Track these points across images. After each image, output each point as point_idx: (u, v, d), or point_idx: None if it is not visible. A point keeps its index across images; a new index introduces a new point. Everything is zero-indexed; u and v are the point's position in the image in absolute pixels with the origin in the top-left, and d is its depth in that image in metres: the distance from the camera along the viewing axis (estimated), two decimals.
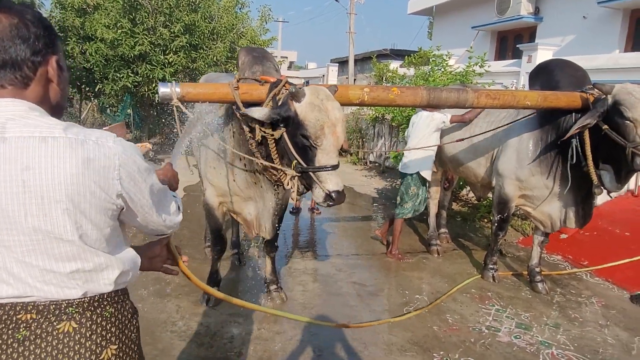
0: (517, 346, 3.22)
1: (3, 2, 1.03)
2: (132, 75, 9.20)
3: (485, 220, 6.51)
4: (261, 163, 2.73)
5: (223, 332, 3.21)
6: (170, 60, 9.18)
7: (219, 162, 3.27)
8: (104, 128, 9.40)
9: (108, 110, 14.02)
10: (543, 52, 9.15)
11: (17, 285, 0.99)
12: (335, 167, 2.47)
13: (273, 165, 2.64)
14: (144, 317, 3.33)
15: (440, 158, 4.92)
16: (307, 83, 2.67)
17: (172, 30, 9.00)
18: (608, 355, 3.18)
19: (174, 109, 2.71)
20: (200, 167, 3.53)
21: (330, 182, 2.46)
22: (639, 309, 3.92)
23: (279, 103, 2.54)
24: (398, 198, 4.89)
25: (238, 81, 2.81)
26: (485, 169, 4.50)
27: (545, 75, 3.95)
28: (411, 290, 4.08)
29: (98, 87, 9.58)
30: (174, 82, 2.68)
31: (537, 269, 4.26)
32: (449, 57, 8.17)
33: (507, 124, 4.02)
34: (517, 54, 10.85)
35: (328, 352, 3.05)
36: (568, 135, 3.45)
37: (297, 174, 2.54)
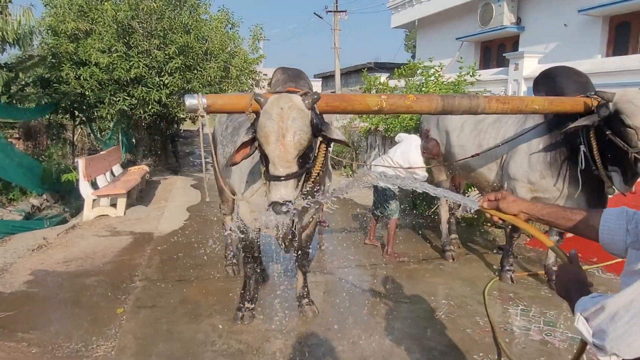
0: (550, 343, 3.31)
1: None
2: (128, 98, 9.17)
3: (489, 224, 6.65)
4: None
5: (265, 347, 3.23)
6: (166, 82, 9.19)
7: (252, 177, 3.25)
8: (102, 152, 9.34)
9: (99, 135, 13.93)
10: (529, 61, 9.47)
11: None
12: (277, 179, 2.40)
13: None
14: (180, 339, 3.34)
15: (451, 166, 5.04)
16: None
17: (166, 52, 9.03)
18: None
19: (200, 119, 2.78)
20: (233, 183, 3.51)
21: (272, 191, 2.43)
22: None
23: None
24: (378, 203, 5.20)
25: None
26: (496, 173, 4.62)
27: (550, 82, 4.11)
28: (437, 296, 4.15)
29: (94, 112, 9.51)
30: (200, 93, 2.74)
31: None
32: (441, 68, 8.38)
33: (522, 132, 4.14)
34: (501, 63, 11.18)
35: None
36: (565, 130, 3.62)
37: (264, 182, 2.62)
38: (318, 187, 3.18)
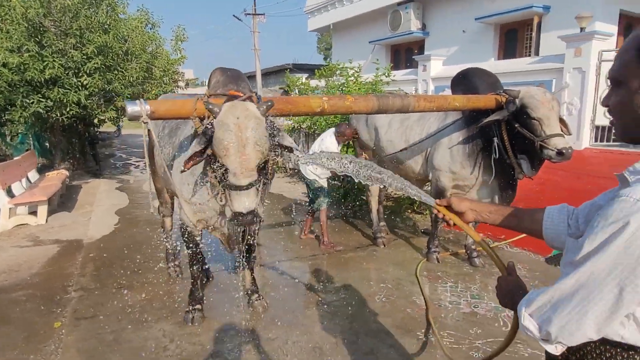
0: (479, 314, 3.53)
1: None
2: (43, 100, 8.24)
3: (409, 211, 6.95)
4: (211, 180, 2.63)
5: (220, 346, 3.07)
6: (85, 82, 8.39)
7: (193, 178, 3.04)
8: (16, 158, 8.31)
9: (8, 139, 12.40)
10: (435, 62, 10.00)
11: None
12: (239, 188, 2.31)
13: (218, 181, 2.51)
14: (130, 347, 3.09)
15: (380, 159, 5.17)
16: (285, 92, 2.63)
17: (84, 52, 8.24)
18: None
19: (143, 126, 2.55)
20: (173, 185, 3.24)
21: (235, 202, 2.35)
22: (553, 267, 4.50)
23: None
24: (310, 196, 5.33)
25: (209, 97, 2.71)
26: (421, 165, 4.82)
27: (466, 82, 4.35)
28: (375, 281, 4.24)
29: (2, 115, 8.41)
30: (142, 99, 2.52)
31: (473, 247, 4.68)
32: (360, 69, 8.55)
33: (444, 127, 4.35)
34: (410, 65, 11.70)
35: (325, 347, 3.07)
36: (481, 124, 3.88)
37: (219, 191, 2.50)
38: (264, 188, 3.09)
